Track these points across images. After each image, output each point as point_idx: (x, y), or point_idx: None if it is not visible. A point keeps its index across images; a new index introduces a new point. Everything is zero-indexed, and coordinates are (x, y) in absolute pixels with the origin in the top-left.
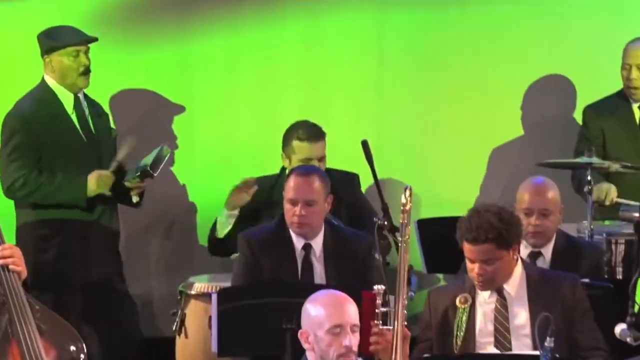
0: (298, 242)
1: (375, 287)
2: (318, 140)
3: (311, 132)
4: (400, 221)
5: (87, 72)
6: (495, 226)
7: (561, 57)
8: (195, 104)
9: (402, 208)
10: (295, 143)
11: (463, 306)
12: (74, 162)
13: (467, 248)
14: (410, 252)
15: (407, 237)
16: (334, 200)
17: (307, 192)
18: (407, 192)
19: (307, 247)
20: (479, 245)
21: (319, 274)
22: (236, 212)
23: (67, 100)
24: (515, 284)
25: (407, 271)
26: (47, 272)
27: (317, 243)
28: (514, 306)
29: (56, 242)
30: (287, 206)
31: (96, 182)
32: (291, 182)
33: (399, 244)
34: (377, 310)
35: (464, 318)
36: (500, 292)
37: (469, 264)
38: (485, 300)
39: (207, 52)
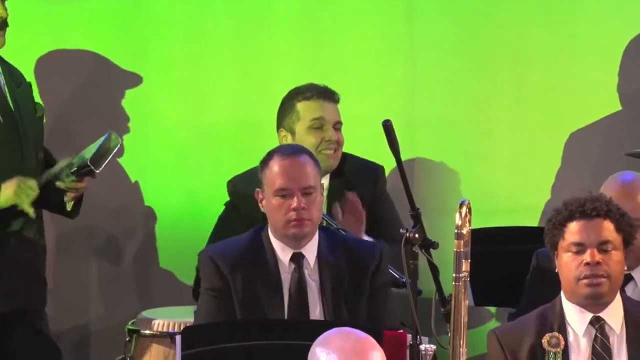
0: (284, 254)
1: (425, 347)
2: (332, 101)
3: (321, 89)
4: (455, 249)
5: (2, 26)
6: (614, 205)
7: None
8: (152, 72)
9: (456, 231)
10: (301, 105)
11: (554, 350)
12: None
13: (578, 228)
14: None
15: (465, 273)
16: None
17: (303, 177)
18: (464, 210)
19: (298, 258)
20: (596, 220)
21: (315, 295)
22: None
23: None
24: (618, 317)
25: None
26: None
27: (311, 251)
28: (617, 347)
29: None
30: (273, 202)
31: (15, 191)
32: (275, 167)
33: (434, 265)
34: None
35: None
36: (601, 327)
37: (573, 258)
38: (580, 340)
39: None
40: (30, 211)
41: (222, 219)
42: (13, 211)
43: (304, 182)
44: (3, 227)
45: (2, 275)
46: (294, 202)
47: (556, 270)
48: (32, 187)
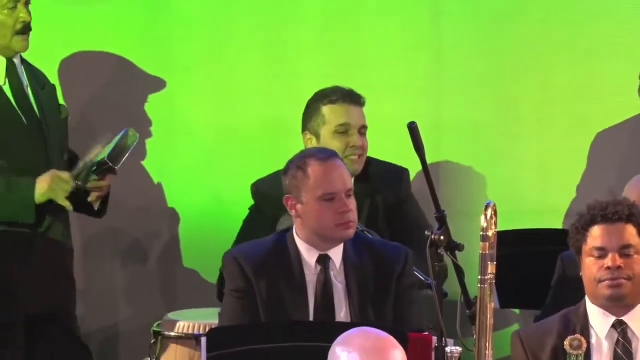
0: (310, 256)
1: (451, 349)
2: (358, 104)
3: (347, 93)
4: (480, 252)
5: (26, 30)
6: (637, 209)
7: None
8: (177, 73)
9: (481, 234)
10: (327, 108)
11: (577, 352)
12: (10, 153)
13: (600, 233)
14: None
15: (490, 275)
16: (371, 203)
17: (345, 180)
18: (490, 212)
19: (324, 260)
20: (618, 224)
21: (341, 297)
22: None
23: None
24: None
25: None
26: None
27: (337, 253)
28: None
29: None
30: (317, 207)
31: (49, 185)
32: (316, 172)
33: (459, 267)
34: None
35: None
36: (624, 332)
37: (595, 262)
38: (602, 343)
39: (194, 2)
40: (67, 204)
41: (247, 222)
42: (42, 210)
43: (346, 184)
44: (30, 228)
45: (31, 276)
46: (343, 206)
47: (581, 273)
48: (66, 180)
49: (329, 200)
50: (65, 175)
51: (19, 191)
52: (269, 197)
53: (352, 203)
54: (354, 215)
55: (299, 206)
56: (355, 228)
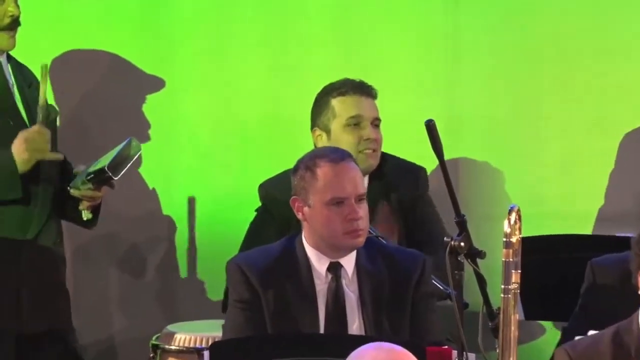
0: (320, 264)
1: None
2: (369, 96)
3: (357, 84)
4: (503, 259)
5: (14, 25)
6: None
7: None
8: (177, 74)
9: (504, 240)
10: (336, 101)
11: None
12: None
13: None
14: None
15: (514, 284)
16: (386, 205)
17: (356, 185)
18: (513, 216)
19: (336, 268)
20: None
21: (353, 307)
22: None
23: None
24: None
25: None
26: None
27: (349, 261)
28: None
29: None
30: (325, 211)
31: (27, 146)
32: (325, 175)
33: (481, 275)
34: None
35: None
36: None
37: None
38: None
39: None
40: (56, 155)
41: (254, 224)
42: (33, 185)
43: (357, 189)
44: (18, 232)
45: (19, 289)
46: (352, 212)
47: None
48: (38, 131)
49: (337, 205)
50: (34, 127)
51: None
52: (278, 198)
53: (363, 209)
54: (364, 223)
55: (305, 209)
56: (365, 236)
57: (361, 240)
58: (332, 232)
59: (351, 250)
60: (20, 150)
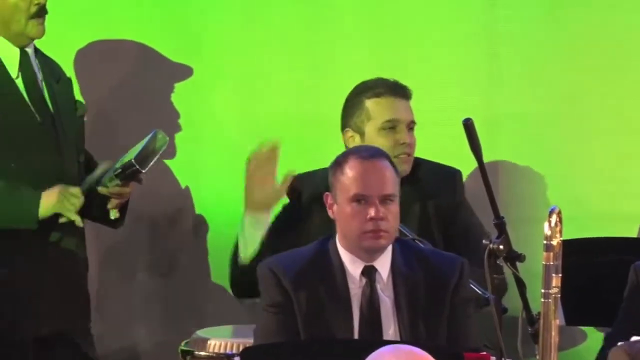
0: (354, 267)
1: None
2: (404, 97)
3: (392, 85)
4: (544, 262)
5: (41, 12)
6: None
7: None
8: (206, 65)
9: (545, 243)
10: (371, 102)
11: None
12: (21, 153)
13: None
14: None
15: (555, 289)
16: (422, 208)
17: (382, 183)
18: (554, 218)
19: (370, 272)
20: None
21: (389, 312)
22: (266, 215)
23: (9, 57)
24: None
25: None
26: None
27: (384, 264)
28: None
29: None
30: (348, 209)
31: (56, 200)
32: (351, 171)
33: (520, 280)
34: None
35: None
36: None
37: None
38: None
39: None
40: (77, 219)
41: (278, 215)
42: (55, 222)
43: (383, 189)
44: (41, 237)
45: (41, 293)
46: (372, 211)
47: None
48: (75, 194)
49: (359, 203)
50: (74, 189)
51: (22, 203)
52: (305, 191)
53: (390, 211)
54: (387, 225)
55: (335, 206)
56: (388, 239)
57: (382, 242)
58: (351, 232)
59: (372, 252)
60: (50, 200)
